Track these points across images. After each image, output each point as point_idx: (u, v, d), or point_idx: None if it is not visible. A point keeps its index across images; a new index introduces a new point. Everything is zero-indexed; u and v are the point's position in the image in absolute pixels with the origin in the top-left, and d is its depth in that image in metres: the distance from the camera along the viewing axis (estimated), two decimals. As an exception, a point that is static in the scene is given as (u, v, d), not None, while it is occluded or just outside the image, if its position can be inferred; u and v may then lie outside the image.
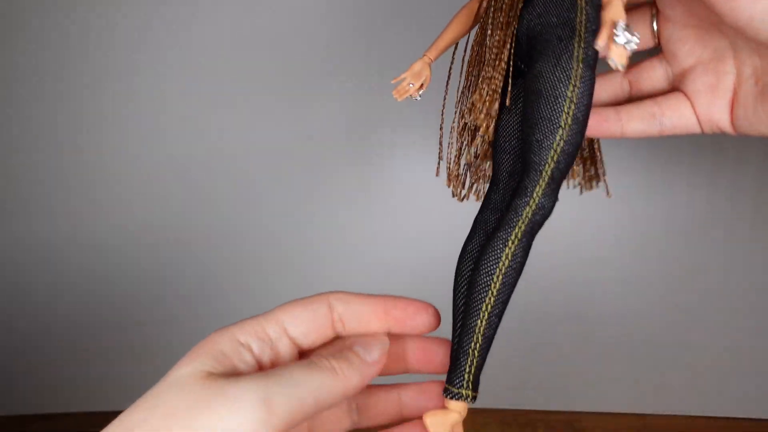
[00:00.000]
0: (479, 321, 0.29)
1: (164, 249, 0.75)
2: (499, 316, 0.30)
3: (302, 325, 0.31)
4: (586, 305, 0.75)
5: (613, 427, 0.76)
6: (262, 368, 0.29)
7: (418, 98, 0.34)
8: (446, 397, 0.30)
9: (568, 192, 0.71)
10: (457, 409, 0.31)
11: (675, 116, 0.34)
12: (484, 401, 0.81)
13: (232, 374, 0.27)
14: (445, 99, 0.38)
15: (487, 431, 0.75)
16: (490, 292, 0.28)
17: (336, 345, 0.32)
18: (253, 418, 0.24)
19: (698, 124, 0.34)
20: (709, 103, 0.33)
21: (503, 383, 0.78)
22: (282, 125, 0.70)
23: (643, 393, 0.77)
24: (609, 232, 0.72)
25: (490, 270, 0.28)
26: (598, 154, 0.40)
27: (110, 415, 0.26)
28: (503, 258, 0.28)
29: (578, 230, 0.72)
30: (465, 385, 0.30)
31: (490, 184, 0.32)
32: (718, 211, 0.71)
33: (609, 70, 0.37)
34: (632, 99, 0.36)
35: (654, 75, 0.36)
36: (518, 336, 0.75)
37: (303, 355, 0.32)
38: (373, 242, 0.73)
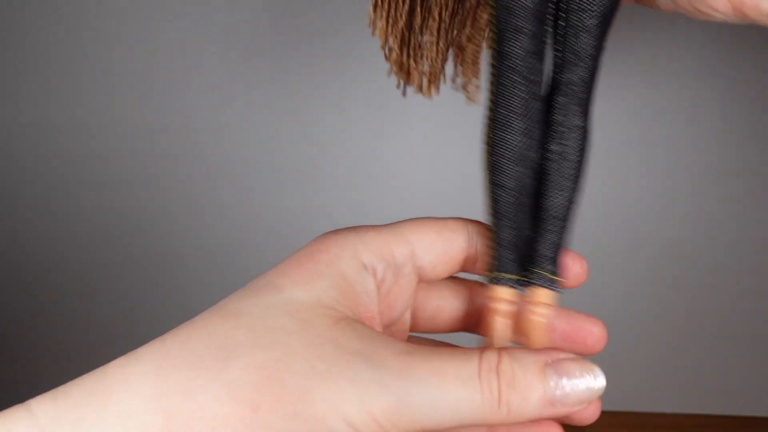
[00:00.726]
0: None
1: (161, 250, 0.75)
2: None
3: (433, 254, 0.25)
4: (582, 303, 0.75)
5: (611, 425, 0.76)
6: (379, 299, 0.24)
7: None
8: (548, 288, 0.26)
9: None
10: (553, 301, 0.26)
11: None
12: (481, 400, 0.81)
13: (358, 315, 0.22)
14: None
15: (485, 430, 0.75)
16: None
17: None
18: (372, 422, 0.18)
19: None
20: None
21: (500, 382, 0.78)
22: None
23: (640, 391, 0.78)
24: (604, 230, 0.72)
25: None
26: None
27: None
28: None
29: (575, 230, 0.72)
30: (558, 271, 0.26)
31: None
32: (720, 211, 0.71)
33: None
34: None
35: None
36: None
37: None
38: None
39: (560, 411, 0.20)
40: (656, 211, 0.71)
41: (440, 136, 0.69)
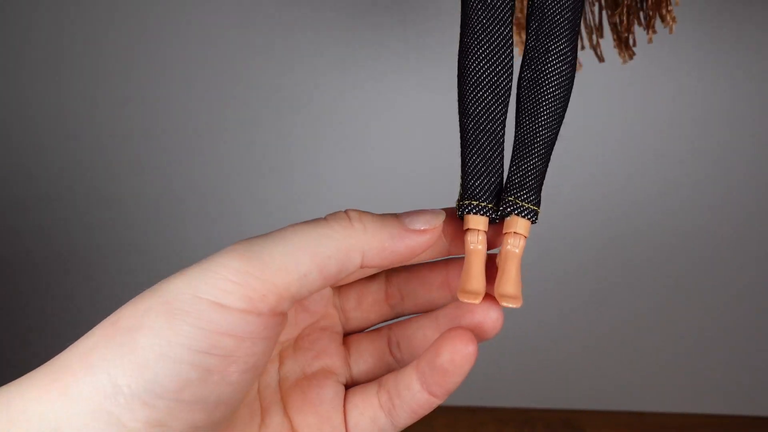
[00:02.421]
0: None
1: (155, 252, 0.76)
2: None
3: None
4: (584, 304, 0.75)
5: (611, 425, 0.77)
6: None
7: None
8: (519, 215, 0.25)
9: (565, 201, 0.72)
10: (527, 232, 0.25)
11: None
12: (482, 400, 0.82)
13: None
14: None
15: (486, 430, 0.76)
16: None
17: None
18: (224, 282, 0.20)
19: None
20: None
21: (502, 382, 0.78)
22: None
23: (640, 391, 0.78)
24: (606, 232, 0.73)
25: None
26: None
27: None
28: None
29: (575, 230, 0.72)
30: (539, 202, 0.26)
31: None
32: (721, 212, 0.71)
33: None
34: None
35: None
36: (516, 335, 0.76)
37: None
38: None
39: (419, 239, 0.24)
40: (658, 213, 0.72)
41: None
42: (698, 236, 0.72)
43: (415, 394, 0.25)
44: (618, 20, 0.37)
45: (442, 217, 0.24)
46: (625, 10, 0.36)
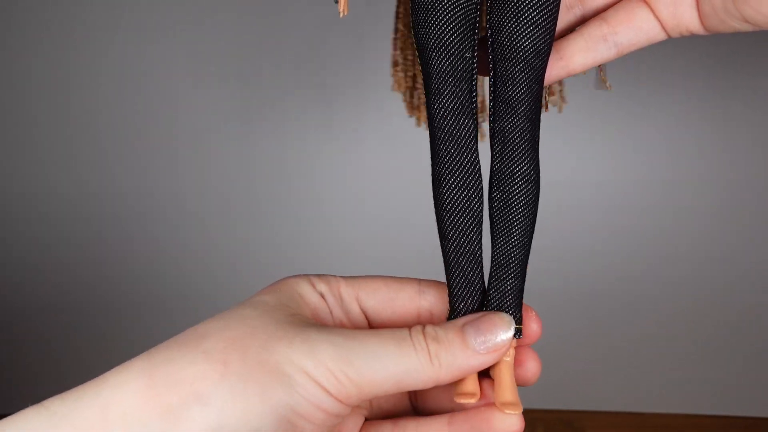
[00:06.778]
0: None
1: (155, 256, 0.76)
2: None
3: (376, 300, 0.28)
4: (585, 305, 0.75)
5: (611, 426, 0.77)
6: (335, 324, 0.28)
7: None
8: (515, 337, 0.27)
9: (572, 194, 0.72)
10: (513, 344, 0.27)
11: (631, 30, 0.29)
12: (483, 401, 0.82)
13: (316, 319, 0.26)
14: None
15: (487, 430, 0.76)
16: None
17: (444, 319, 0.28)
18: (326, 371, 0.23)
19: (663, 31, 0.29)
20: (673, 3, 0.28)
21: (502, 383, 0.78)
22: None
23: (640, 392, 0.78)
24: (607, 232, 0.73)
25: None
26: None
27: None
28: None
29: (576, 230, 0.73)
30: (520, 318, 0.27)
31: None
32: (721, 213, 0.71)
33: None
34: (585, 18, 0.31)
35: None
36: (517, 336, 0.76)
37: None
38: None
39: (486, 359, 0.25)
40: (657, 213, 0.72)
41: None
42: (700, 238, 0.72)
43: None
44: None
45: (511, 330, 0.25)
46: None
